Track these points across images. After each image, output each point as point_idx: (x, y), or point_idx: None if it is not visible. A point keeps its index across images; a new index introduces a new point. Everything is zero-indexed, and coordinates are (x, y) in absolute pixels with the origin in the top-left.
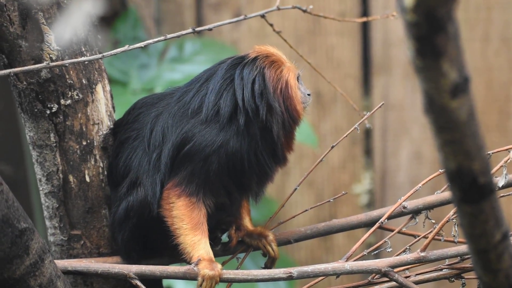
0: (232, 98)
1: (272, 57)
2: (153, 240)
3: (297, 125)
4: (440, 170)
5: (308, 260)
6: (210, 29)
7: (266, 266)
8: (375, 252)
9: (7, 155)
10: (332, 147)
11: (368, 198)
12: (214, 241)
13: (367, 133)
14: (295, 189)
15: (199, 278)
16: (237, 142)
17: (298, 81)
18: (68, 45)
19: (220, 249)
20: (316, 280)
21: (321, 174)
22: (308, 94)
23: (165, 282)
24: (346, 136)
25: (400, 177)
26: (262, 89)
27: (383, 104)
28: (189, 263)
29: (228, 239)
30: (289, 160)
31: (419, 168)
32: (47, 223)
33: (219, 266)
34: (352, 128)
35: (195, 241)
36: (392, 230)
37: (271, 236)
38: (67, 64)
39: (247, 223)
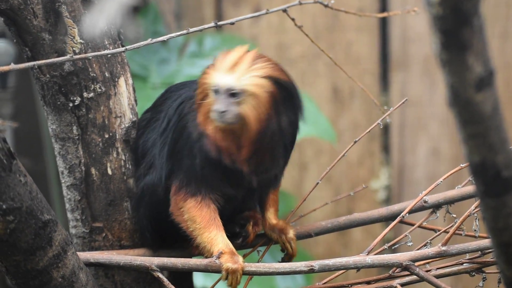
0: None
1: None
2: (164, 225)
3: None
4: (461, 165)
5: (326, 255)
6: (232, 23)
7: (283, 261)
8: (395, 247)
9: (27, 148)
10: (355, 142)
11: (385, 194)
12: (234, 236)
13: (385, 129)
14: (317, 183)
15: (223, 272)
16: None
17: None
18: (91, 38)
19: (239, 243)
20: (336, 274)
21: (339, 170)
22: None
23: None
24: (369, 131)
25: (417, 173)
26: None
27: (406, 100)
28: None
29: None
30: (248, 170)
31: (437, 165)
32: (69, 215)
33: (240, 259)
34: (375, 124)
35: (212, 236)
36: (412, 224)
37: (291, 234)
38: (90, 57)
39: (270, 215)
